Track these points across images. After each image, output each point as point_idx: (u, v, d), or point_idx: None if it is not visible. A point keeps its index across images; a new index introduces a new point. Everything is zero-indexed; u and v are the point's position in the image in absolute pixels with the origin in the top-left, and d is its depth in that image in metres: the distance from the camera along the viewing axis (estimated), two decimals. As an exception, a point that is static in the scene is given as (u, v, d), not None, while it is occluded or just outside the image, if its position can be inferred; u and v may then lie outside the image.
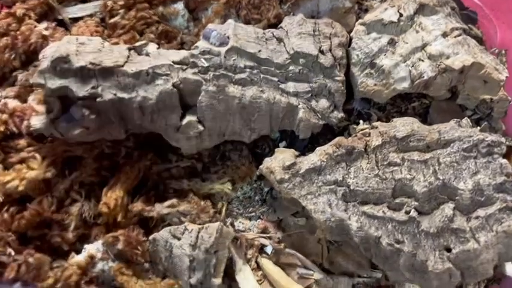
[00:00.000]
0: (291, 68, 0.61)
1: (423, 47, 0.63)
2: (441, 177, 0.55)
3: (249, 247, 0.62)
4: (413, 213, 0.55)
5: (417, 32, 0.65)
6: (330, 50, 0.63)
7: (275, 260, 0.63)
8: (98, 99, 0.57)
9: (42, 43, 0.67)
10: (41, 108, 0.59)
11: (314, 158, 0.59)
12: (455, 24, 0.64)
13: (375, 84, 0.64)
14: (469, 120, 0.59)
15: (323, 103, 0.62)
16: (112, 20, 0.69)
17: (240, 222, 0.65)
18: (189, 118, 0.60)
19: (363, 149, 0.58)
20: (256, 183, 0.67)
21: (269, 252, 0.63)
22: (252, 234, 0.63)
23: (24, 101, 0.64)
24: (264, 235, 0.63)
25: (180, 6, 0.72)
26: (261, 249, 0.63)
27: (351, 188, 0.57)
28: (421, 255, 0.53)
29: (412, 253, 0.53)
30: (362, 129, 0.63)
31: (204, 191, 0.65)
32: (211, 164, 0.68)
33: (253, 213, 0.66)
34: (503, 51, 0.76)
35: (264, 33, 0.64)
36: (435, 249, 0.53)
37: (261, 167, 0.61)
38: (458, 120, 0.59)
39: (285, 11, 0.70)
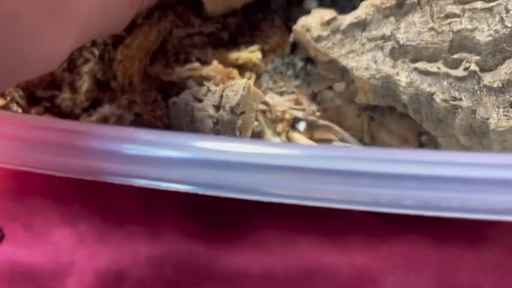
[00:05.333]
0: None
1: None
2: (509, 26, 0.46)
3: (280, 120, 0.56)
4: (473, 67, 0.47)
5: None
6: None
7: (309, 136, 0.56)
8: None
9: None
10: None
11: (358, 11, 0.51)
12: None
13: None
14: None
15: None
16: None
17: (269, 97, 0.58)
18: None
19: (415, 0, 0.50)
20: (289, 57, 0.60)
21: (302, 129, 0.56)
22: (284, 106, 0.56)
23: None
24: (298, 107, 0.56)
25: None
26: (293, 125, 0.56)
27: (401, 42, 0.49)
28: (482, 113, 0.45)
29: (472, 109, 0.46)
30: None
31: (230, 61, 0.58)
32: (239, 34, 0.61)
33: (284, 88, 0.59)
34: None
35: None
36: (499, 106, 0.45)
37: (294, 26, 0.54)
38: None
39: None
